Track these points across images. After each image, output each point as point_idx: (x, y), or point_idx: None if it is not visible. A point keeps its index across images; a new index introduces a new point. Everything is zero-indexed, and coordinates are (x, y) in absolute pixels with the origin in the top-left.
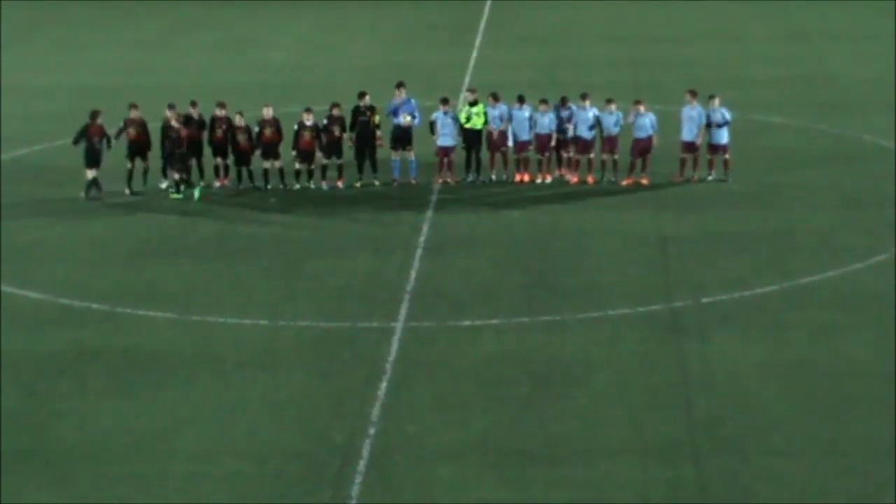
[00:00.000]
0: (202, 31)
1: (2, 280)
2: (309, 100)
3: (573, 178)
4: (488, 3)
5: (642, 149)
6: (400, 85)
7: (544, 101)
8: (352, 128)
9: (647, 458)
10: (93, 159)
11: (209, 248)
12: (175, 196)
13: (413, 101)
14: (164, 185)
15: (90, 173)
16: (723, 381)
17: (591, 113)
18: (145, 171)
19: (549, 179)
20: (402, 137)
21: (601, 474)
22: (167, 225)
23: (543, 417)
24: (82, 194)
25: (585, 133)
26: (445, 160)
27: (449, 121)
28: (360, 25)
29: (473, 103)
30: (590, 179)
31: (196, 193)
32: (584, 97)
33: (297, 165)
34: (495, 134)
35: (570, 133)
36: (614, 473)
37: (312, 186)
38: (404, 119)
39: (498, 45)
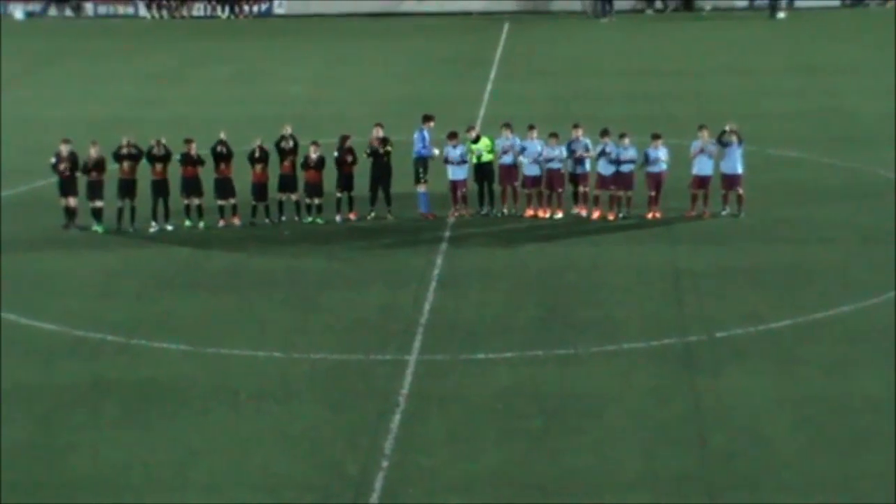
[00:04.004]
0: (217, 65)
1: (18, 311)
2: (324, 133)
3: (594, 214)
4: (503, 37)
5: (656, 182)
6: (428, 118)
7: (554, 135)
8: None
9: (660, 492)
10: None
11: (223, 280)
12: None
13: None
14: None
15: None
16: (736, 415)
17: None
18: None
19: (560, 215)
20: (425, 169)
21: None
22: (181, 257)
23: (557, 451)
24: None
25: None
26: (459, 193)
27: (457, 154)
28: (374, 59)
29: (475, 140)
30: (610, 216)
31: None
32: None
33: (307, 200)
34: (504, 167)
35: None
36: None
37: (320, 221)
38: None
39: (513, 79)
